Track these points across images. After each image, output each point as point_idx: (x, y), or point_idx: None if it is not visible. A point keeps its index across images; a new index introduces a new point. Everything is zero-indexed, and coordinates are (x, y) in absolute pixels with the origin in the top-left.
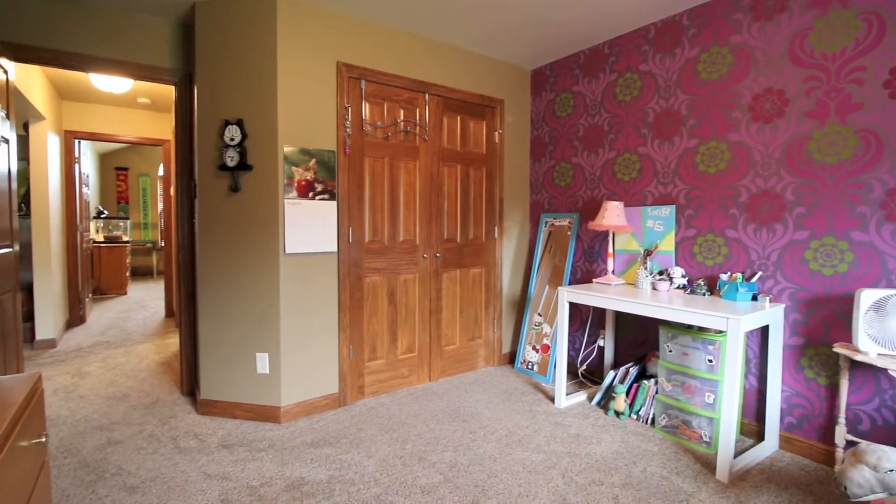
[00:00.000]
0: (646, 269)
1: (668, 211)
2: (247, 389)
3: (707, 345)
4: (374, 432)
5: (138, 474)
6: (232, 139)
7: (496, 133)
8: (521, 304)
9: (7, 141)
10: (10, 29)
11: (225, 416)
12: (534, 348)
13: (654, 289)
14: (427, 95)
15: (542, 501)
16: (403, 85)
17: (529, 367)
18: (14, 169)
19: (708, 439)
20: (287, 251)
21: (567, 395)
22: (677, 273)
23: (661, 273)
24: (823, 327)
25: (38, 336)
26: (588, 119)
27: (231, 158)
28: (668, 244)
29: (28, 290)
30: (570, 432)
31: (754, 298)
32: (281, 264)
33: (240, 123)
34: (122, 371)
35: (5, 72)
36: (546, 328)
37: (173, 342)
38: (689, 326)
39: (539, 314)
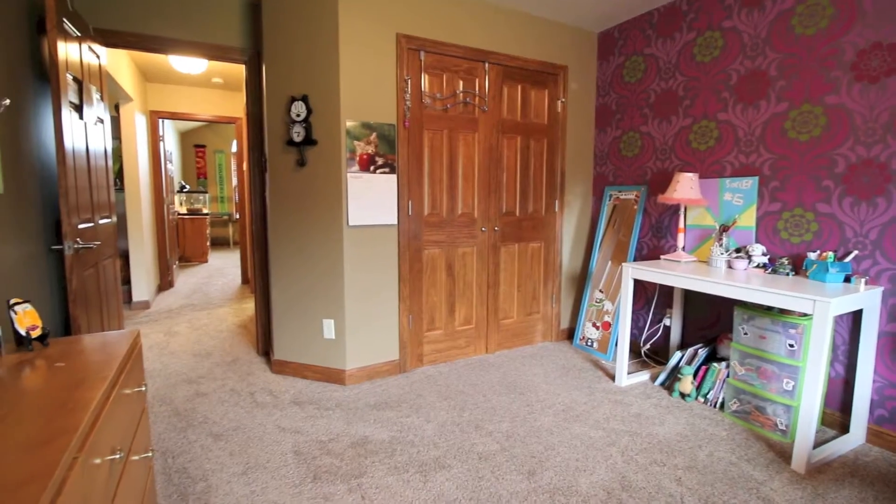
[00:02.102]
0: (721, 245)
1: (749, 183)
2: (315, 352)
3: (788, 328)
4: (432, 399)
5: (222, 423)
6: (298, 115)
7: (559, 102)
8: (581, 280)
9: (103, 121)
10: (100, 15)
11: (296, 376)
12: (594, 325)
13: (730, 267)
14: (486, 64)
15: (599, 477)
16: (462, 55)
17: (589, 343)
18: (109, 147)
19: (784, 427)
20: (350, 223)
21: (629, 374)
22: (757, 251)
23: (738, 250)
24: None
25: (135, 298)
26: (661, 84)
27: (297, 134)
28: (748, 219)
29: (125, 257)
30: (630, 411)
31: (847, 280)
32: (344, 236)
33: (305, 99)
34: (206, 331)
35: (98, 56)
36: (608, 305)
37: (249, 307)
38: (769, 308)
39: (600, 290)
